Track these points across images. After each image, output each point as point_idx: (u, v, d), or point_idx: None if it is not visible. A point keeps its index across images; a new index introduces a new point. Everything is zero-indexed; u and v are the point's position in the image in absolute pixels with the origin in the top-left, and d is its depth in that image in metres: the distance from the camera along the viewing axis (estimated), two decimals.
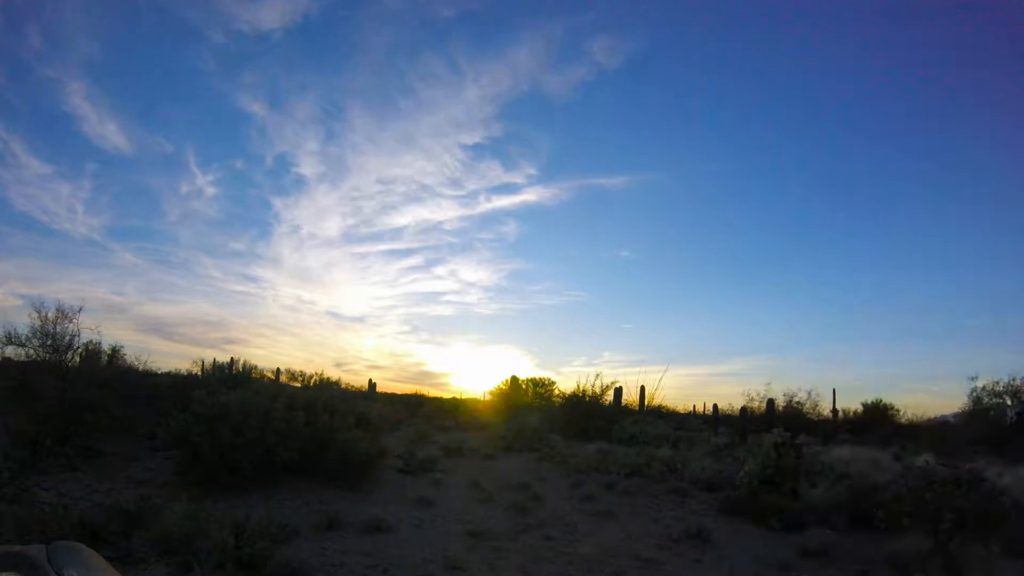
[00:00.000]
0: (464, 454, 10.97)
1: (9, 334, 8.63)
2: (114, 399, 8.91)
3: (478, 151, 33.13)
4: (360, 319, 41.81)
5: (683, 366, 39.83)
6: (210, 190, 31.87)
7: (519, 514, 7.05)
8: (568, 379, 41.37)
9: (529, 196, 34.09)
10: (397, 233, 37.30)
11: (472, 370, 42.81)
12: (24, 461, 6.14)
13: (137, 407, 9.43)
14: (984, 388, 16.11)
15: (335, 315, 40.95)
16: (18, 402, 8.18)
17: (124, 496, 5.99)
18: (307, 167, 32.71)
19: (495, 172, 33.34)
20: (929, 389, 36.47)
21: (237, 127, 32.33)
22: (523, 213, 36.44)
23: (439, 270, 40.68)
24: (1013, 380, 15.70)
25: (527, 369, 40.56)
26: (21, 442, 7.20)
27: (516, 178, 33.68)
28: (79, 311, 9.01)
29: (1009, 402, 15.73)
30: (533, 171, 33.65)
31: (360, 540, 5.62)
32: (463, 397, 25.52)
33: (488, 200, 33.69)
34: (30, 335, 8.70)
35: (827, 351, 36.19)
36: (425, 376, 43.94)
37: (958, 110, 31.56)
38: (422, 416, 17.49)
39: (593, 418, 14.91)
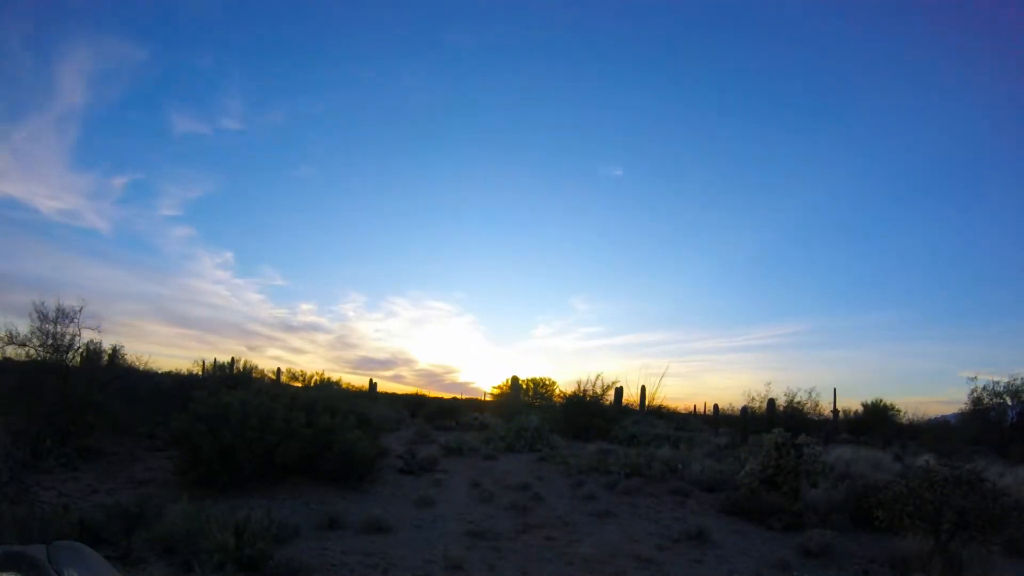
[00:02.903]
0: (464, 454, 10.96)
1: (10, 334, 8.65)
2: (114, 399, 8.92)
3: None
4: (193, 266, 32.87)
5: (677, 333, 37.22)
6: None
7: (519, 514, 7.05)
8: (533, 356, 36.98)
9: None
10: None
11: (421, 349, 38.15)
12: (24, 461, 6.15)
13: (137, 407, 9.43)
14: (984, 388, 16.13)
15: (142, 255, 32.34)
16: (19, 402, 8.19)
17: (124, 496, 5.99)
18: None
19: None
20: (929, 389, 36.51)
21: None
22: None
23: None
24: (1013, 380, 15.71)
25: (479, 343, 36.01)
26: (21, 442, 7.20)
27: None
28: (80, 311, 9.03)
29: (1009, 402, 15.72)
30: None
31: (360, 540, 5.62)
32: (463, 397, 25.57)
33: None
34: (31, 335, 8.71)
35: (829, 350, 36.24)
36: (371, 363, 37.58)
37: (961, 109, 31.65)
38: (423, 416, 17.49)
39: (593, 418, 14.92)
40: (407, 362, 35.88)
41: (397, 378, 40.67)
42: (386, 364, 38.64)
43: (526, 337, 36.95)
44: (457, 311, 37.75)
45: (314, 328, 36.26)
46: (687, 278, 41.12)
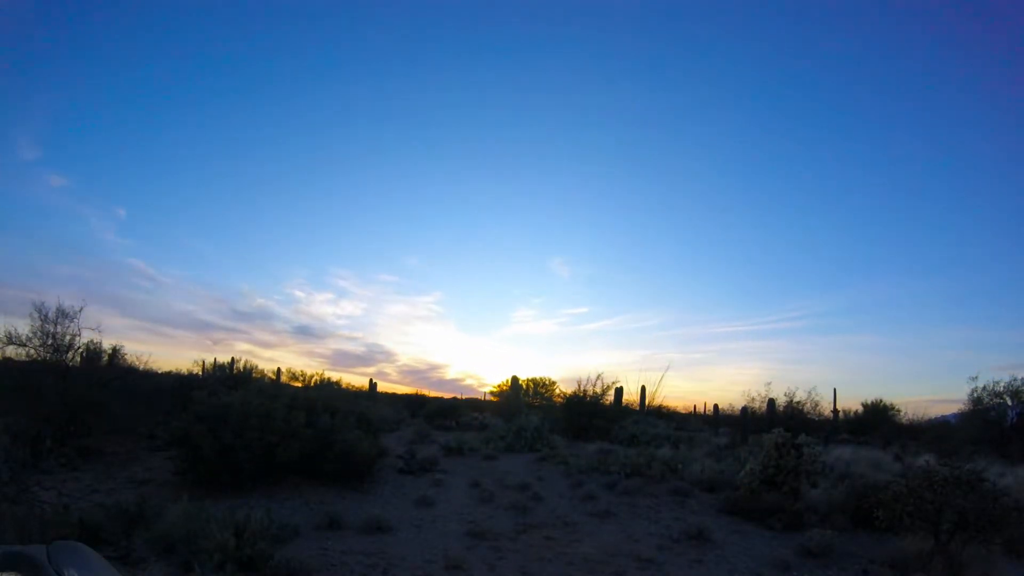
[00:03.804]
0: (464, 454, 10.96)
1: (10, 334, 8.65)
2: (114, 399, 8.91)
3: None
4: (89, 233, 25.80)
5: (673, 314, 33.76)
6: None
7: (519, 514, 7.05)
8: (520, 347, 32.60)
9: None
10: None
11: (396, 341, 33.28)
12: (24, 461, 6.14)
13: (137, 407, 9.43)
14: (984, 388, 16.11)
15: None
16: (19, 402, 8.18)
17: (124, 496, 5.99)
18: None
19: None
20: (929, 389, 36.15)
21: None
22: None
23: None
24: (1013, 380, 15.70)
25: (451, 331, 31.73)
26: (21, 442, 7.19)
27: None
28: (80, 311, 9.03)
29: (1009, 402, 15.72)
30: None
31: (360, 540, 5.62)
32: (463, 397, 25.61)
33: None
34: (31, 335, 8.72)
35: (829, 349, 35.87)
36: (348, 357, 33.04)
37: (959, 108, 31.64)
38: (423, 416, 17.50)
39: (594, 418, 14.91)
40: (386, 355, 32.17)
41: (381, 375, 37.53)
42: (364, 359, 33.57)
43: (506, 322, 32.46)
44: (416, 287, 33.17)
45: (268, 315, 32.40)
46: (681, 245, 37.06)
